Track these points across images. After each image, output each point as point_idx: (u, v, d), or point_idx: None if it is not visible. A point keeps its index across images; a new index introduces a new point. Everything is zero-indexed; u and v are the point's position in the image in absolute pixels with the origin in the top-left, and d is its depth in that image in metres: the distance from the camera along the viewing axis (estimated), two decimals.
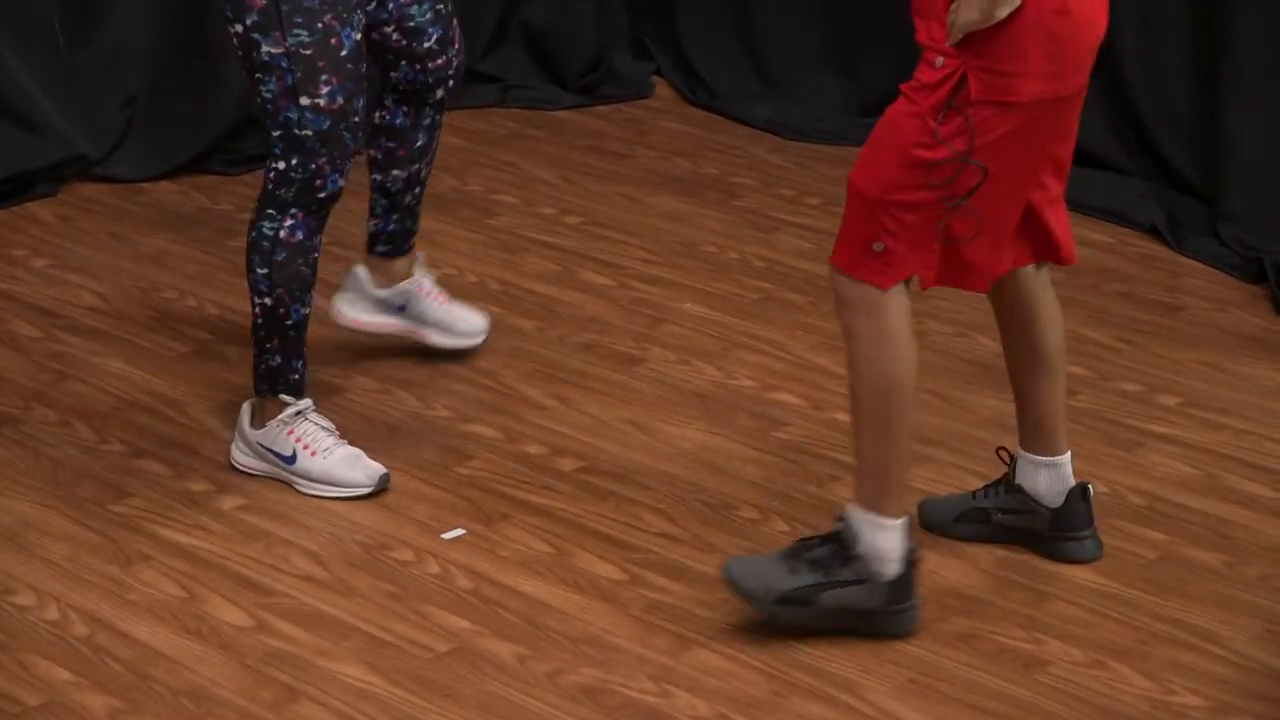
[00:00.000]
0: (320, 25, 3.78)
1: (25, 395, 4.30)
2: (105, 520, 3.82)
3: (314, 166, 3.81)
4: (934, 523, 3.80)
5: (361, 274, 4.41)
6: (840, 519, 3.45)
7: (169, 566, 3.67)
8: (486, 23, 6.24)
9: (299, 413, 3.94)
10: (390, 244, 4.38)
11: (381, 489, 3.92)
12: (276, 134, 3.82)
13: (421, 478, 4.00)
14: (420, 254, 4.44)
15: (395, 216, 4.35)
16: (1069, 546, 3.72)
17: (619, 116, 6.14)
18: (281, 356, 3.93)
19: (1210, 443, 4.20)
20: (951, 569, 3.69)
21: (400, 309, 4.41)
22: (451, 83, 4.22)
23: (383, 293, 4.40)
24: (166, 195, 5.43)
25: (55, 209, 5.31)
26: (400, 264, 4.40)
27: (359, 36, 3.85)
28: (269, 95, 3.80)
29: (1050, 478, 3.69)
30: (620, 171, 5.69)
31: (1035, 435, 3.68)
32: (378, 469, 3.93)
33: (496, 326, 4.60)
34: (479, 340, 4.48)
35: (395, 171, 4.29)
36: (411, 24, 4.11)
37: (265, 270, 3.87)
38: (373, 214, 4.36)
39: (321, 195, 3.84)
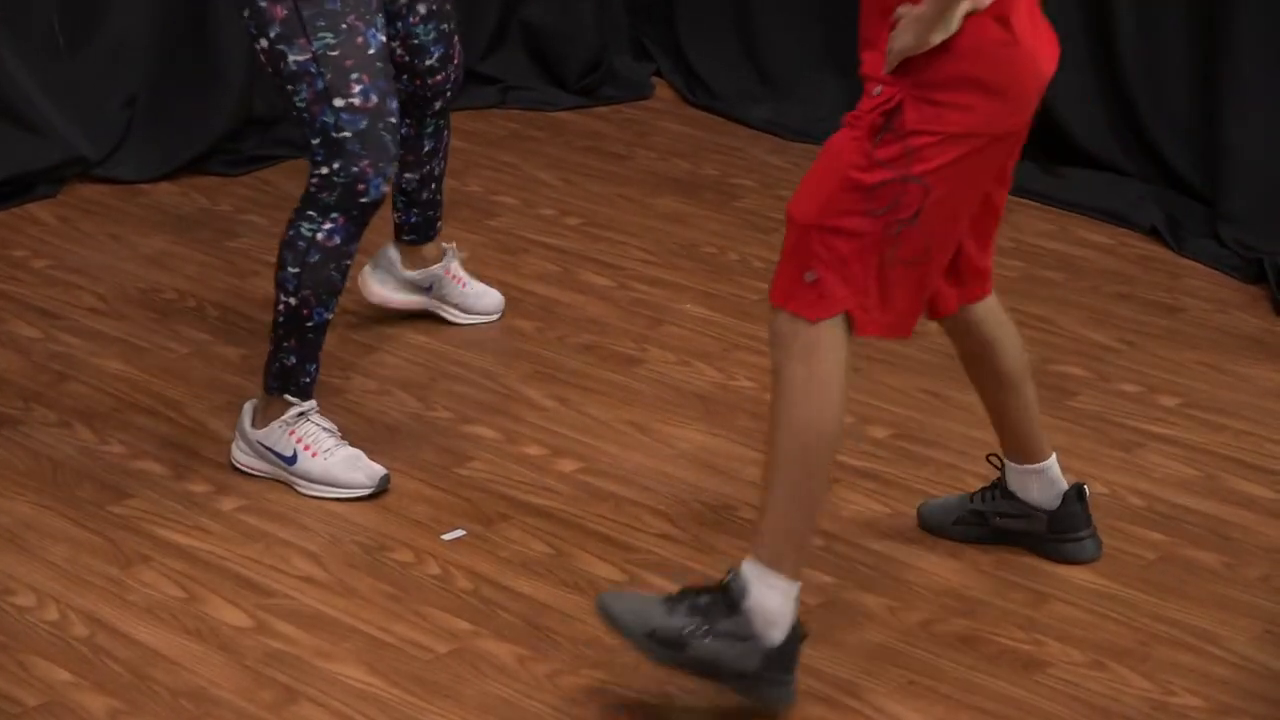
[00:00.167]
0: (344, 26, 3.76)
1: (25, 396, 4.29)
2: (105, 521, 3.82)
3: (356, 170, 3.79)
4: (933, 524, 3.80)
5: (393, 254, 4.58)
6: (731, 571, 3.24)
7: (169, 567, 3.67)
8: (486, 23, 6.24)
9: (302, 414, 3.94)
10: (415, 233, 4.56)
11: (382, 490, 3.92)
12: (316, 141, 3.79)
13: (421, 479, 3.99)
14: (452, 245, 4.62)
15: (415, 210, 4.52)
16: (1068, 548, 3.71)
17: (619, 117, 6.14)
18: (297, 357, 3.93)
19: (1210, 443, 4.20)
20: (951, 570, 3.69)
21: (427, 289, 4.60)
22: (449, 94, 4.33)
23: (413, 274, 4.58)
24: (166, 196, 5.43)
25: (55, 210, 5.31)
26: (429, 249, 4.58)
27: (384, 38, 3.84)
28: (303, 104, 3.78)
29: (1041, 483, 3.68)
30: (620, 173, 5.68)
31: (1014, 447, 3.68)
32: (378, 470, 3.93)
33: (496, 327, 4.63)
34: (495, 317, 4.65)
35: (408, 174, 4.43)
36: (416, 41, 4.20)
37: (296, 270, 3.86)
38: (394, 208, 4.53)
39: (364, 200, 3.82)
